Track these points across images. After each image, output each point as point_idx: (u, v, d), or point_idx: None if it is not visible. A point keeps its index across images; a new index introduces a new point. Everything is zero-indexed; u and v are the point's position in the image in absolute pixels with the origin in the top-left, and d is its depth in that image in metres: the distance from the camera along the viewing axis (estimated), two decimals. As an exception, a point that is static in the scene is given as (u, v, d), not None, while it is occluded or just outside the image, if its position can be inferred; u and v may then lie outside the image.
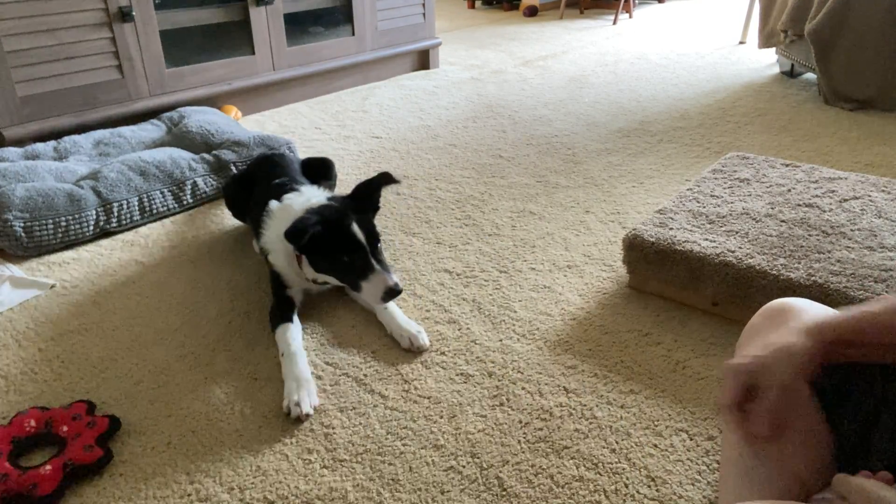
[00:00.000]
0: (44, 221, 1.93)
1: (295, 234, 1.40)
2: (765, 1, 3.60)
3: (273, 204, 1.63)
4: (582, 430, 1.26)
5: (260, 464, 1.21)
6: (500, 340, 1.53)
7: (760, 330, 1.03)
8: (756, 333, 1.03)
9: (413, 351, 1.49)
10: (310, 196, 1.62)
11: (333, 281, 1.55)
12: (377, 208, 1.60)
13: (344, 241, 1.44)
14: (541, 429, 1.27)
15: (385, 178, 1.57)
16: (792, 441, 0.89)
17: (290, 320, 1.53)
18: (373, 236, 1.46)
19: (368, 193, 1.57)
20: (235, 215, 2.03)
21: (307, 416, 1.30)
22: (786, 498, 0.85)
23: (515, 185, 2.36)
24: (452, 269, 1.83)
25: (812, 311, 1.01)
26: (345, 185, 2.39)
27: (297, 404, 1.30)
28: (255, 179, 1.92)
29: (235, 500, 1.14)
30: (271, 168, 1.92)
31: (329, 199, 1.57)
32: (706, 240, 1.60)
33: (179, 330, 1.60)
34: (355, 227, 1.44)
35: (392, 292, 1.43)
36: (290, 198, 1.63)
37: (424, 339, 1.50)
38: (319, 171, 2.08)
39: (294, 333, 1.49)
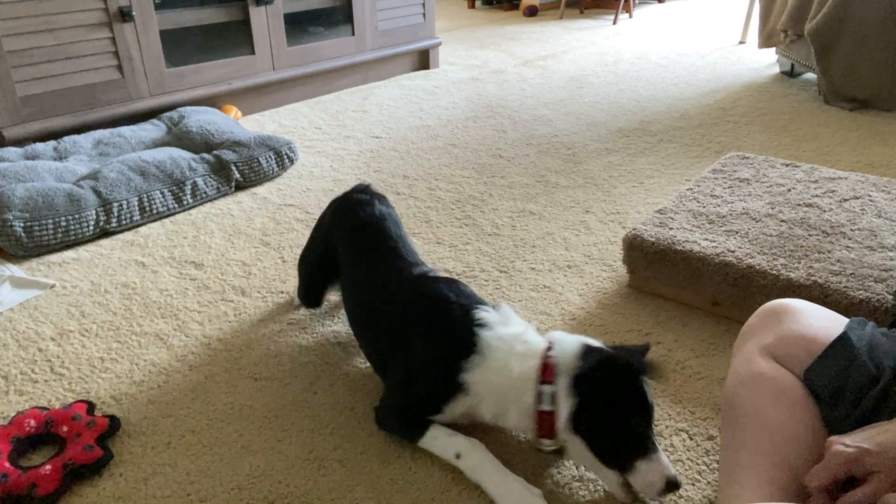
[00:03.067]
0: (44, 221, 1.93)
1: (597, 425, 1.02)
2: (765, 1, 3.60)
3: (488, 336, 1.15)
4: (582, 430, 1.26)
5: (260, 464, 1.21)
6: (500, 340, 1.53)
7: (757, 331, 1.03)
8: (753, 334, 1.04)
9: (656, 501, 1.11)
10: (525, 328, 1.18)
11: (574, 455, 1.11)
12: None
13: (637, 407, 1.04)
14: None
15: (645, 350, 1.12)
16: (790, 443, 0.89)
17: (432, 421, 1.19)
18: (649, 406, 1.05)
19: (635, 367, 1.07)
20: (309, 302, 1.59)
21: None
22: (784, 496, 0.85)
23: (515, 185, 2.36)
24: (452, 269, 1.83)
25: (809, 313, 1.01)
26: (344, 185, 2.40)
27: None
28: (346, 246, 1.43)
29: (235, 500, 1.14)
30: (381, 235, 1.42)
31: (585, 345, 1.11)
32: (706, 240, 1.60)
33: (179, 330, 1.60)
34: (647, 387, 1.05)
35: (673, 486, 1.01)
36: (503, 324, 1.18)
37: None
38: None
39: (448, 430, 1.17)
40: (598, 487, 1.13)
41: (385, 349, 1.29)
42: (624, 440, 1.03)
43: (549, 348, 1.12)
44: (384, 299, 1.31)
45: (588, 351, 1.08)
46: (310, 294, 1.57)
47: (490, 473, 1.11)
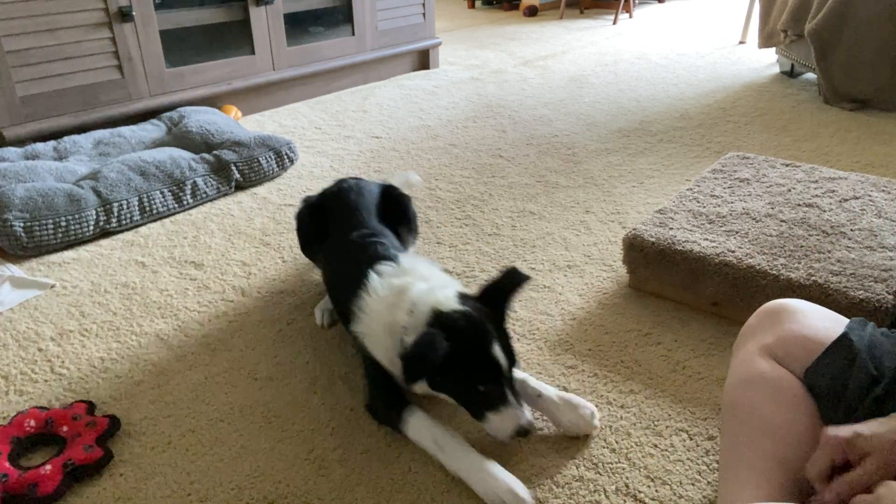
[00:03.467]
0: (44, 221, 1.93)
1: (416, 364, 1.10)
2: (765, 1, 3.60)
3: (375, 280, 1.29)
4: (582, 430, 1.26)
5: (260, 464, 1.21)
6: (500, 340, 1.53)
7: (757, 331, 1.03)
8: (753, 334, 1.04)
9: (578, 438, 1.25)
10: (430, 282, 1.26)
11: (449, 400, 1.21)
12: (506, 317, 1.24)
13: (480, 367, 1.13)
14: (541, 429, 1.27)
15: (517, 281, 1.24)
16: (790, 443, 0.89)
17: (409, 401, 1.24)
18: (512, 360, 1.16)
19: (500, 300, 1.23)
20: (305, 253, 1.73)
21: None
22: (784, 496, 0.85)
23: (515, 185, 2.36)
24: (452, 269, 1.83)
25: (808, 313, 1.01)
26: (345, 185, 2.39)
27: (516, 496, 1.07)
28: (327, 213, 1.63)
29: (235, 500, 1.14)
30: (348, 202, 1.61)
31: (460, 296, 1.20)
32: (706, 240, 1.60)
33: (179, 330, 1.60)
34: (497, 351, 1.13)
35: (524, 432, 1.13)
36: (398, 276, 1.29)
37: (596, 419, 1.25)
38: (396, 213, 1.69)
39: (427, 416, 1.21)
40: (598, 487, 1.14)
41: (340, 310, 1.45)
42: (470, 398, 1.15)
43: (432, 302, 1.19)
44: (335, 261, 1.52)
45: (438, 315, 1.15)
46: (305, 245, 1.72)
47: (466, 460, 1.14)
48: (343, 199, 1.63)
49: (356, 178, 1.74)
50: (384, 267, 1.32)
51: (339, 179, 1.73)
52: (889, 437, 0.74)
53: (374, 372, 1.29)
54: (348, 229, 1.53)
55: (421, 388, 1.20)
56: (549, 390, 1.26)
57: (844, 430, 0.77)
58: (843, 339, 0.92)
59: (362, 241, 1.47)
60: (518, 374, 1.25)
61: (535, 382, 1.26)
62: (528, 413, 1.15)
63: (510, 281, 1.23)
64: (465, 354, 1.11)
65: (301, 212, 1.70)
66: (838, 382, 0.89)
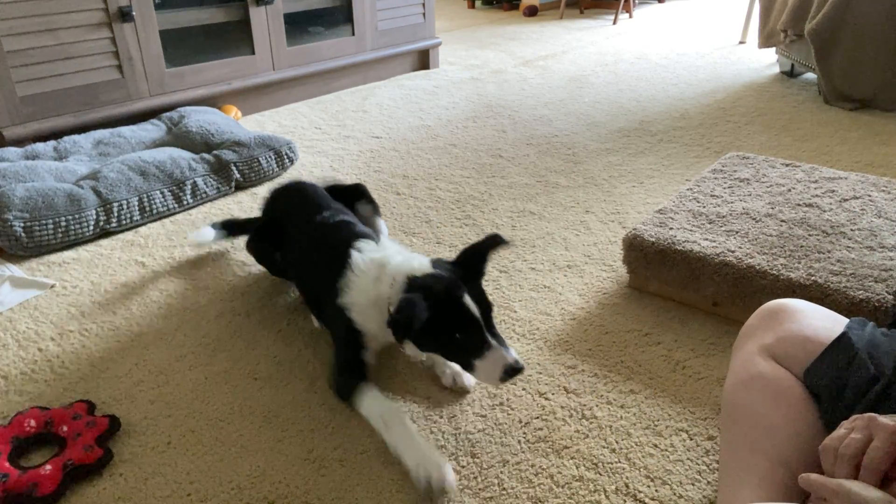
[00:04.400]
0: (44, 221, 1.93)
1: (405, 323, 1.16)
2: (765, 1, 3.60)
3: (357, 259, 1.37)
4: (582, 429, 1.26)
5: (260, 464, 1.21)
6: (500, 340, 1.53)
7: (757, 331, 1.03)
8: (753, 334, 1.04)
9: (455, 391, 1.37)
10: (405, 255, 1.36)
11: (438, 358, 1.35)
12: (483, 274, 1.33)
13: (456, 317, 1.20)
14: (541, 429, 1.27)
15: (494, 242, 1.32)
16: (789, 442, 0.89)
17: (367, 380, 1.32)
18: (486, 306, 1.23)
19: (476, 259, 1.32)
20: (274, 272, 1.77)
21: (451, 487, 1.14)
22: (784, 496, 0.85)
23: (515, 185, 2.36)
24: (452, 269, 1.83)
25: (808, 313, 1.01)
26: (345, 185, 2.40)
27: (429, 479, 1.12)
28: (283, 220, 1.67)
29: (235, 500, 1.14)
30: (303, 195, 1.67)
31: (433, 262, 1.30)
32: (706, 240, 1.60)
33: (179, 330, 1.60)
34: (468, 300, 1.21)
35: (512, 371, 1.18)
36: (376, 252, 1.38)
37: (470, 380, 1.36)
38: (352, 197, 1.79)
39: (381, 395, 1.29)
40: (598, 487, 1.14)
41: (310, 296, 1.55)
42: (454, 349, 1.23)
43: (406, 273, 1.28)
44: (307, 245, 1.55)
45: (412, 281, 1.24)
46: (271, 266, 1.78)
47: (404, 437, 1.20)
48: (295, 194, 1.70)
49: (295, 181, 1.79)
50: (363, 244, 1.40)
51: (276, 187, 1.78)
52: None
53: (342, 349, 1.39)
54: (312, 214, 1.59)
55: (413, 350, 1.33)
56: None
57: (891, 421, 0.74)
58: (843, 338, 0.92)
59: (332, 222, 1.54)
60: None
61: None
62: (513, 352, 1.20)
63: (488, 243, 1.32)
64: (439, 308, 1.19)
65: (252, 239, 1.77)
66: (838, 382, 0.89)
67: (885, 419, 0.74)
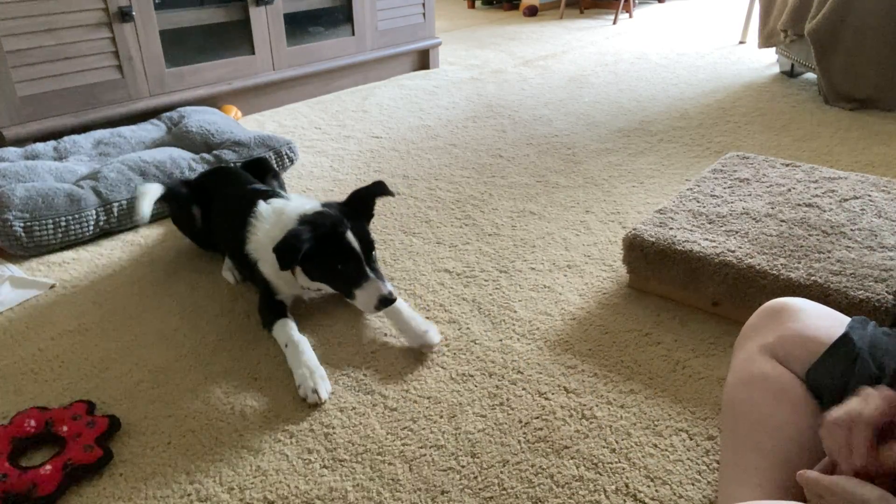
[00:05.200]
0: (44, 221, 1.93)
1: (287, 250, 1.35)
2: (765, 1, 3.60)
3: (262, 206, 1.57)
4: (582, 429, 1.26)
5: (260, 464, 1.21)
6: (500, 340, 1.53)
7: (758, 330, 1.03)
8: (754, 334, 1.04)
9: (423, 350, 1.48)
10: (302, 202, 1.57)
11: (327, 288, 1.51)
12: (371, 216, 1.56)
13: (338, 250, 1.40)
14: (541, 429, 1.27)
15: (380, 189, 1.52)
16: (790, 442, 0.89)
17: (286, 316, 1.54)
18: (367, 244, 1.43)
19: (363, 201, 1.53)
20: (201, 242, 1.93)
21: (324, 402, 1.33)
22: (785, 496, 0.85)
23: (515, 185, 2.36)
24: (452, 269, 1.83)
25: (810, 312, 1.01)
26: (344, 185, 2.40)
27: (315, 391, 1.33)
28: (211, 193, 1.83)
29: (235, 500, 1.14)
30: (231, 179, 1.85)
31: (323, 205, 1.50)
32: (706, 240, 1.60)
33: (179, 330, 1.60)
34: (350, 236, 1.40)
35: (385, 301, 1.40)
36: (279, 201, 1.58)
37: (434, 337, 1.48)
38: (259, 170, 1.99)
39: (292, 325, 1.51)
40: (598, 487, 1.14)
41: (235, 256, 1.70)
42: (337, 279, 1.43)
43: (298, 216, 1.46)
44: (229, 206, 1.71)
45: (303, 219, 1.41)
46: (196, 236, 1.94)
47: (296, 356, 1.40)
48: (223, 175, 1.89)
49: (221, 166, 2.03)
50: (273, 199, 1.58)
51: (211, 168, 2.01)
52: None
53: (264, 291, 1.58)
54: (240, 186, 1.77)
55: (304, 281, 1.50)
56: (402, 304, 1.50)
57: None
58: (845, 338, 0.92)
59: (256, 191, 1.70)
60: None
61: (400, 301, 1.49)
62: (388, 285, 1.41)
63: (375, 189, 1.52)
64: (323, 241, 1.37)
65: (177, 215, 1.93)
66: (840, 382, 0.88)
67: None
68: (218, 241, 1.83)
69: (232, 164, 2.14)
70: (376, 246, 1.50)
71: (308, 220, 1.41)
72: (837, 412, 0.77)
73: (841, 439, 0.76)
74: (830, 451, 0.77)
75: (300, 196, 1.67)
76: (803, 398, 0.92)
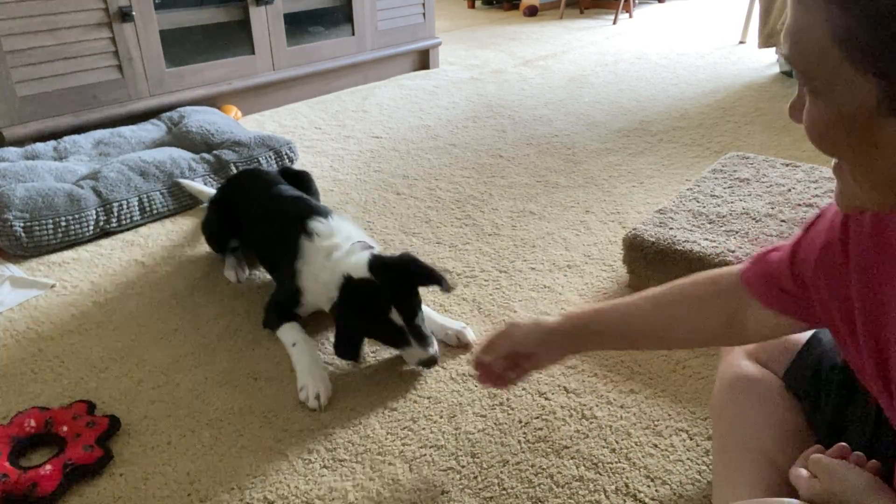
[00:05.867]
0: (44, 221, 1.93)
1: (345, 347, 1.41)
2: (765, 1, 3.60)
3: (306, 244, 1.52)
4: (582, 429, 1.26)
5: (260, 464, 1.21)
6: (500, 340, 1.53)
7: None
8: None
9: (461, 347, 1.51)
10: (348, 245, 1.49)
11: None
12: (414, 294, 1.45)
13: (382, 328, 1.40)
14: (541, 428, 1.27)
15: (432, 280, 1.43)
16: (776, 443, 0.91)
17: (292, 319, 1.56)
18: (411, 312, 1.39)
19: (410, 279, 1.43)
20: (216, 245, 1.88)
21: (324, 408, 1.34)
22: (773, 496, 0.85)
23: (515, 185, 2.36)
24: (452, 269, 1.83)
25: None
26: (344, 185, 2.40)
27: (318, 396, 1.34)
28: (238, 199, 1.82)
29: (235, 500, 1.14)
30: (259, 179, 1.84)
31: (370, 264, 1.43)
32: (706, 240, 1.60)
33: (179, 330, 1.60)
34: (394, 315, 1.37)
35: (429, 363, 1.40)
36: (324, 234, 1.52)
37: (470, 334, 1.52)
38: (299, 185, 1.93)
39: (300, 327, 1.53)
40: (598, 487, 1.14)
41: (269, 263, 1.75)
42: (384, 343, 1.46)
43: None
44: (264, 218, 1.72)
45: (348, 281, 1.41)
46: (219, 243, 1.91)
47: (302, 359, 1.43)
48: (253, 179, 1.87)
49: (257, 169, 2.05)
50: (315, 224, 1.55)
51: (232, 175, 2.03)
52: None
53: (287, 301, 1.57)
54: (269, 192, 1.76)
55: None
56: (428, 310, 1.55)
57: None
58: (813, 339, 0.95)
59: (290, 196, 1.72)
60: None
61: (426, 308, 1.53)
62: (431, 350, 1.40)
63: (425, 278, 1.44)
64: (368, 322, 1.41)
65: (209, 219, 1.90)
66: (813, 383, 0.91)
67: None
68: (256, 256, 1.81)
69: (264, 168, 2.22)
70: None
71: (352, 292, 1.40)
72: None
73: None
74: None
75: (342, 221, 1.59)
76: (788, 399, 0.95)
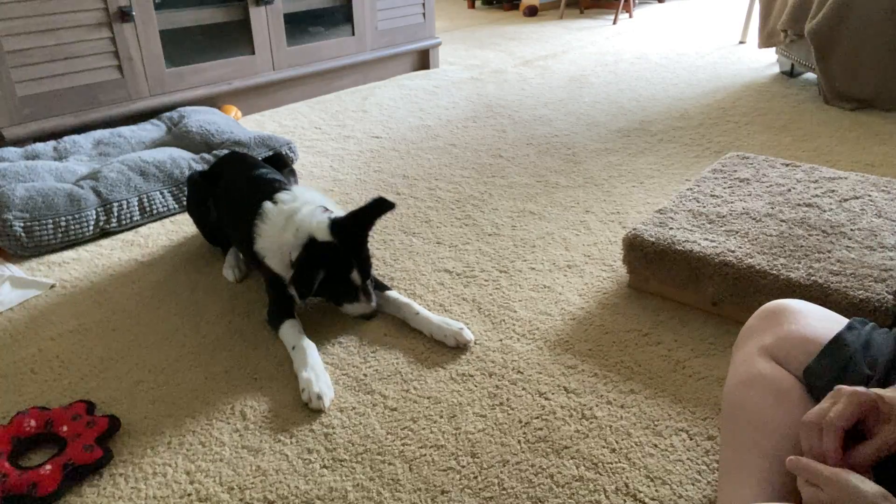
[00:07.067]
0: (44, 221, 1.93)
1: (303, 284, 1.44)
2: (765, 1, 3.60)
3: (268, 207, 1.59)
4: (582, 429, 1.26)
5: (260, 464, 1.21)
6: (500, 340, 1.53)
7: (757, 331, 1.03)
8: (753, 335, 1.04)
9: (460, 348, 1.51)
10: (309, 207, 1.57)
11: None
12: (367, 234, 1.59)
13: (342, 284, 1.52)
14: (541, 429, 1.27)
15: (382, 208, 1.55)
16: (789, 442, 0.89)
17: (293, 317, 1.56)
18: (366, 272, 1.54)
19: (364, 222, 1.56)
20: (209, 236, 1.94)
21: (326, 409, 1.34)
22: (784, 496, 0.85)
23: (515, 185, 2.36)
24: (452, 268, 1.83)
25: (808, 313, 1.01)
26: (344, 185, 2.40)
27: (319, 397, 1.34)
28: (219, 180, 1.86)
29: (235, 500, 1.14)
30: (238, 164, 1.88)
31: (331, 220, 1.52)
32: (706, 240, 1.60)
33: (179, 330, 1.60)
34: (355, 275, 1.51)
35: (371, 315, 1.57)
36: (284, 200, 1.59)
37: (468, 334, 1.52)
38: (275, 166, 1.99)
39: (300, 328, 1.54)
40: (598, 487, 1.14)
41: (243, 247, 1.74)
42: (335, 297, 1.56)
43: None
44: (235, 195, 1.76)
45: (312, 242, 1.48)
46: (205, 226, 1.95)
47: (303, 360, 1.43)
48: (235, 160, 1.93)
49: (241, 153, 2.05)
50: (280, 195, 1.61)
51: (216, 160, 2.02)
52: None
53: (273, 288, 1.61)
54: (247, 172, 1.80)
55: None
56: (426, 312, 1.58)
57: (867, 391, 0.76)
58: (839, 338, 0.92)
59: (260, 179, 1.75)
60: (402, 298, 1.62)
61: (416, 306, 1.59)
62: (373, 303, 1.55)
63: (375, 209, 1.55)
64: (331, 280, 1.48)
65: (193, 177, 1.95)
66: (832, 383, 0.89)
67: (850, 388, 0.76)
68: (224, 229, 1.84)
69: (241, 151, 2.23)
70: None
71: (317, 252, 1.48)
72: (809, 414, 0.79)
73: (814, 441, 0.77)
74: (806, 453, 0.78)
75: (306, 190, 1.66)
76: (802, 399, 0.92)
